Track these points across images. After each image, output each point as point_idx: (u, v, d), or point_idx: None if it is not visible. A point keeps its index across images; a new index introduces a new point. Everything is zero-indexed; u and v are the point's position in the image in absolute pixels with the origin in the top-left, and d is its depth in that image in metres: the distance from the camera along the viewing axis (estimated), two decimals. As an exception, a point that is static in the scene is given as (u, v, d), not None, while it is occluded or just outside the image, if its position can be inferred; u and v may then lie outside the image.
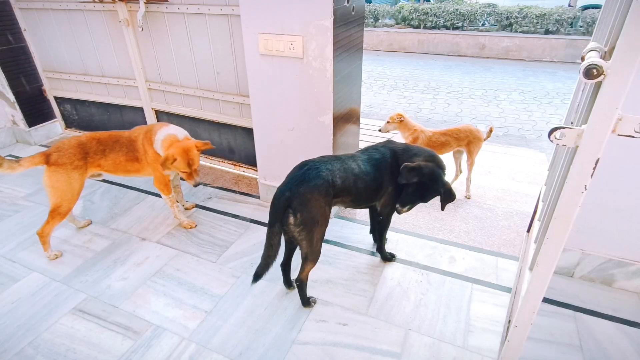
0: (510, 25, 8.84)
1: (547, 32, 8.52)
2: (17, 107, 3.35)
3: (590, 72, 0.82)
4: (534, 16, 8.49)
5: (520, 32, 8.68)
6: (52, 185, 1.99)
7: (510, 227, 2.42)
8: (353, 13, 2.08)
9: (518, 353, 1.26)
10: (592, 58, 0.86)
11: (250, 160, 2.82)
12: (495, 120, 5.04)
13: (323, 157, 1.72)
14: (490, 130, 2.78)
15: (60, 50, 3.20)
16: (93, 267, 2.07)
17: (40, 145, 3.50)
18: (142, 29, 2.63)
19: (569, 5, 8.32)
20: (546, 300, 1.85)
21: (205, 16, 2.42)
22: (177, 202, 2.38)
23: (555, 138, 0.93)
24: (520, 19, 8.68)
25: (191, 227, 2.37)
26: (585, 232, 1.86)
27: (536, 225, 1.63)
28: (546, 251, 1.04)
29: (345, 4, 1.95)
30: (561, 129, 0.92)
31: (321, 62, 1.97)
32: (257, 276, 1.65)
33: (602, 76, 0.81)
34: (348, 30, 2.06)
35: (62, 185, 2.00)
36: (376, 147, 1.85)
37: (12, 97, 3.30)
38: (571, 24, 8.57)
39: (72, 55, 3.18)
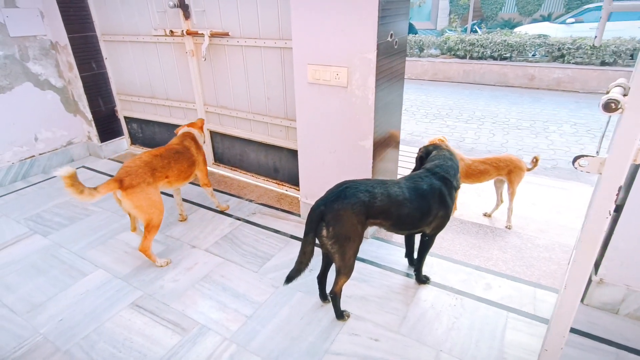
0: (563, 56, 8.62)
1: (603, 63, 8.22)
2: (93, 125, 3.81)
3: (609, 106, 0.89)
4: (588, 47, 8.23)
5: (573, 63, 8.43)
6: (136, 206, 2.12)
7: (551, 259, 2.37)
8: (396, 47, 2.23)
9: (547, 378, 1.27)
10: (614, 93, 0.93)
11: (293, 180, 3.00)
12: (544, 152, 4.90)
13: (367, 179, 1.80)
14: (536, 160, 2.75)
15: (133, 76, 3.63)
16: (149, 268, 2.29)
17: (109, 159, 3.92)
18: (205, 59, 2.96)
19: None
20: (588, 335, 1.80)
21: (261, 49, 2.68)
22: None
23: (579, 165, 1.00)
24: (573, 50, 8.45)
25: (226, 209, 2.92)
26: (630, 267, 1.81)
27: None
28: (573, 274, 1.08)
29: (389, 38, 2.11)
30: (585, 157, 0.99)
31: (364, 91, 2.12)
32: (289, 279, 1.77)
33: (620, 110, 0.88)
34: (390, 62, 2.21)
35: (144, 203, 2.13)
36: (421, 176, 1.86)
37: (90, 116, 3.76)
38: (631, 56, 8.20)
39: (143, 81, 3.59)
